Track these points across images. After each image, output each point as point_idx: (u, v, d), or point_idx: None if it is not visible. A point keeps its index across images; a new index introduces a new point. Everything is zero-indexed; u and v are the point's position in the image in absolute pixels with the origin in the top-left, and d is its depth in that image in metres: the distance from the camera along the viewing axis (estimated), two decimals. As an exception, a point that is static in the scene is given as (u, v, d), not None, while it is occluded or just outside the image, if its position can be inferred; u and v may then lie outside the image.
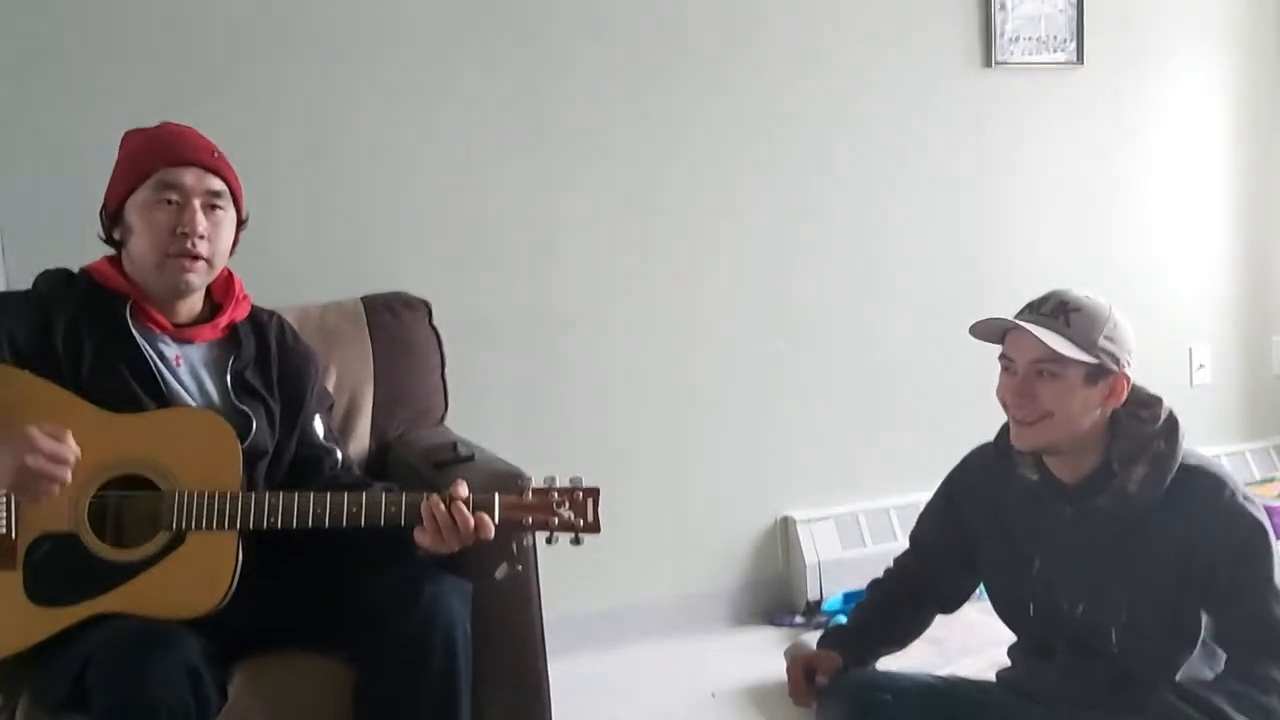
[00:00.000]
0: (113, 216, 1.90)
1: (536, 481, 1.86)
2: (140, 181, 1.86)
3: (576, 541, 1.84)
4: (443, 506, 1.77)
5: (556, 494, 1.83)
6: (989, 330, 1.85)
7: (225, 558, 1.76)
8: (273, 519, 1.76)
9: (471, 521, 1.77)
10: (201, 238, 1.86)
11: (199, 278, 1.89)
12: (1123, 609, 1.80)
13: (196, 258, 1.86)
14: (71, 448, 1.68)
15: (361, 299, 2.52)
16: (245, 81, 2.65)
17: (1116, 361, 1.77)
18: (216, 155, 1.91)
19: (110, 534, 1.77)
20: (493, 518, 1.79)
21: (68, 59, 2.51)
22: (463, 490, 1.79)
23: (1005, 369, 1.84)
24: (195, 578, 1.76)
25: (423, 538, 1.79)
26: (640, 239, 3.03)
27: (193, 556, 1.76)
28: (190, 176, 1.86)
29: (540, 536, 1.86)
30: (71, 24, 2.51)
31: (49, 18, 2.49)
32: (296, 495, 1.78)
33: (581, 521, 1.82)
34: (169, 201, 1.85)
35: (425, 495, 1.79)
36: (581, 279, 2.98)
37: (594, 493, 1.84)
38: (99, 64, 2.53)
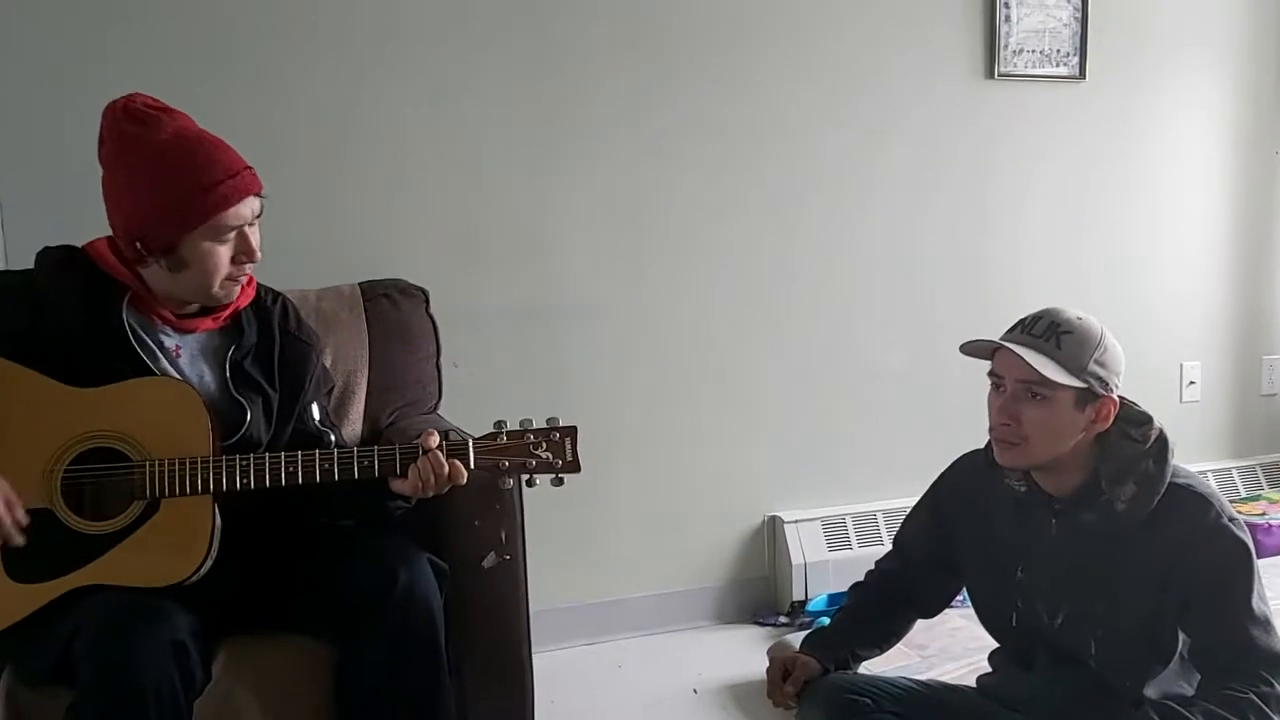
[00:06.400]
0: (153, 248, 1.78)
1: (511, 424, 1.84)
2: (194, 227, 1.76)
3: (558, 482, 1.84)
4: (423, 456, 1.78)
5: (532, 435, 1.83)
6: (978, 349, 1.85)
7: (201, 522, 1.76)
8: (245, 480, 1.75)
9: (446, 466, 1.79)
10: (257, 258, 1.84)
11: (242, 282, 1.88)
12: (1101, 622, 1.81)
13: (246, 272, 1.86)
14: (8, 526, 1.67)
15: (359, 285, 2.52)
16: (253, 68, 2.65)
17: (1105, 385, 1.77)
18: (250, 170, 1.82)
19: (87, 508, 1.76)
20: (467, 464, 1.80)
21: (73, 31, 2.52)
22: (433, 440, 1.80)
23: (995, 386, 1.84)
24: (173, 543, 1.75)
25: (400, 485, 1.80)
26: (636, 237, 3.04)
27: (169, 523, 1.75)
28: (245, 209, 1.80)
29: (523, 479, 1.85)
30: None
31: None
32: (267, 455, 1.78)
33: (560, 461, 1.82)
34: (228, 239, 1.80)
35: (397, 447, 1.80)
36: (576, 275, 2.99)
37: (571, 431, 1.84)
38: (106, 41, 2.54)
